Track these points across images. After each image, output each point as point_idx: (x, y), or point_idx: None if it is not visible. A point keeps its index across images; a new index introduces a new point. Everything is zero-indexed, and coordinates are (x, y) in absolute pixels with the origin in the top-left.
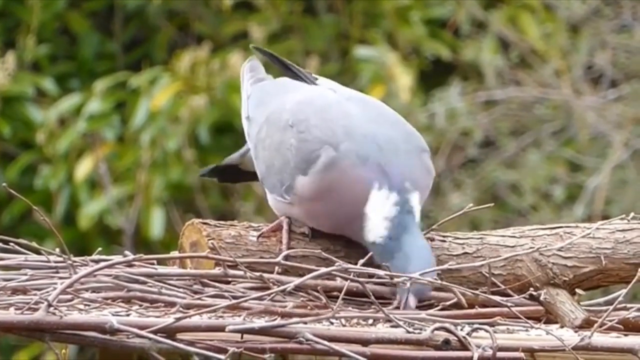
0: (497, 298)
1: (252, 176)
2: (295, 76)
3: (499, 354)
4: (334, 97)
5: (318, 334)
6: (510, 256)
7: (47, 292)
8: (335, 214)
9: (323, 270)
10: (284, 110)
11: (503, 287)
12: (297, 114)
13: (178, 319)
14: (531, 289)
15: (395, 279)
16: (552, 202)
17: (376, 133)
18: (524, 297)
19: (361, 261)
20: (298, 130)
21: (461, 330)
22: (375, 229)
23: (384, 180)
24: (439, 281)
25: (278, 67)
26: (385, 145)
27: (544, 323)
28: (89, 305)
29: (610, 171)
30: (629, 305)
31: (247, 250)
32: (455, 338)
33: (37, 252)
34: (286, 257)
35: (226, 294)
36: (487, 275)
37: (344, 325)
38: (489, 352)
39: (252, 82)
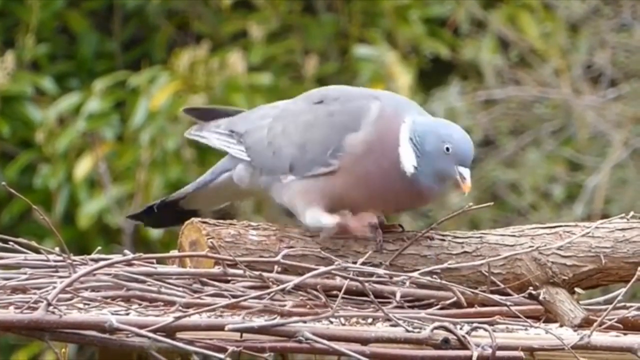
0: (497, 297)
1: (189, 215)
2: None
3: (499, 353)
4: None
5: (317, 333)
6: (509, 255)
7: (47, 291)
8: (380, 162)
9: (322, 269)
10: (296, 103)
11: (502, 286)
12: (317, 95)
13: (177, 318)
14: (530, 288)
15: (395, 278)
16: (552, 201)
17: (386, 95)
18: (523, 297)
19: (360, 260)
20: (333, 98)
21: (460, 329)
22: (407, 157)
23: (405, 115)
24: (439, 280)
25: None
26: (398, 98)
27: (544, 322)
28: (88, 304)
29: (610, 170)
30: (628, 305)
31: (247, 249)
32: (455, 337)
33: (37, 251)
34: (285, 256)
35: (225, 293)
36: (486, 274)
37: (343, 324)
38: (489, 351)
39: (215, 125)
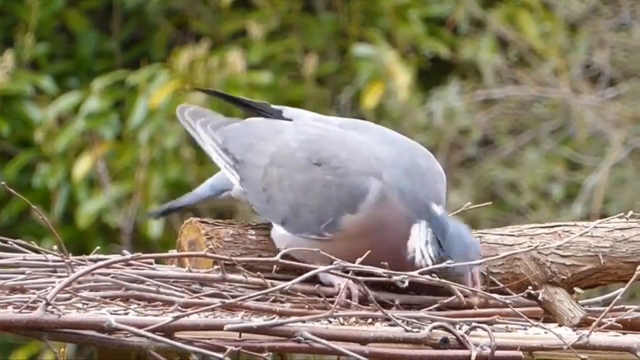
0: (496, 297)
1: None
2: (251, 109)
3: (498, 353)
4: (334, 129)
5: (316, 333)
6: (508, 255)
7: (46, 291)
8: (377, 249)
9: (322, 268)
10: (291, 148)
11: (502, 285)
12: (317, 151)
13: (176, 318)
14: (530, 287)
15: (394, 278)
16: (551, 201)
17: (399, 157)
18: (522, 296)
19: (359, 260)
20: (331, 166)
21: (460, 329)
22: (424, 256)
23: (417, 211)
24: (437, 279)
25: (228, 103)
26: (411, 168)
27: (543, 322)
28: (87, 304)
29: (609, 170)
30: (627, 307)
31: (246, 249)
32: (454, 337)
33: (36, 251)
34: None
35: (224, 293)
36: (485, 274)
37: (342, 324)
38: (488, 351)
39: (211, 127)
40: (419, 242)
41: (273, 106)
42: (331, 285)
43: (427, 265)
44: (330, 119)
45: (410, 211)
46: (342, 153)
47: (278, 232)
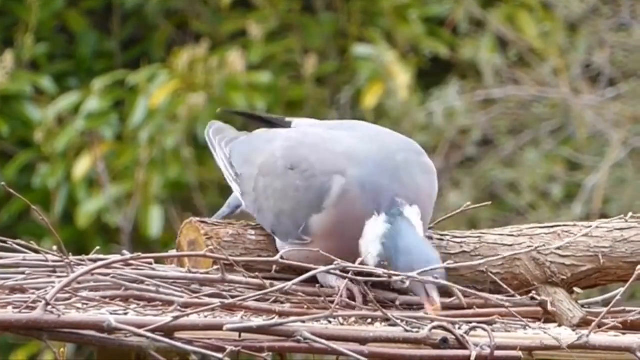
0: (496, 297)
1: None
2: (270, 124)
3: (497, 353)
4: (319, 130)
5: (316, 332)
6: (508, 255)
7: (45, 291)
8: (344, 248)
9: (321, 268)
10: (275, 157)
11: (505, 287)
12: (292, 156)
13: (176, 318)
14: (533, 292)
15: (394, 277)
16: (551, 201)
17: (372, 152)
18: (522, 297)
19: (359, 260)
20: (300, 170)
21: (459, 329)
22: (372, 251)
23: (378, 205)
24: (437, 280)
25: (251, 120)
26: (383, 163)
27: (542, 322)
28: (86, 304)
29: (609, 170)
30: (628, 309)
31: (246, 249)
32: (453, 337)
33: (35, 251)
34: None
35: (224, 292)
36: (485, 272)
37: (342, 324)
38: (487, 351)
39: (225, 142)
40: (369, 237)
41: (287, 119)
42: (330, 287)
43: (374, 260)
44: (328, 122)
45: (371, 205)
46: (311, 156)
47: (277, 241)
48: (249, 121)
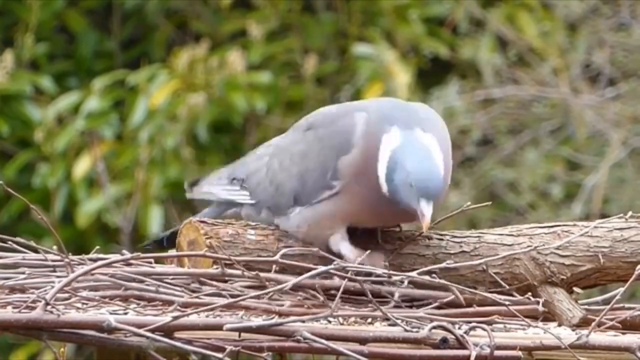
0: (495, 296)
1: None
2: None
3: (497, 353)
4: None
5: (316, 332)
6: (508, 255)
7: (45, 290)
8: (367, 182)
9: (321, 268)
10: (287, 138)
11: (507, 287)
12: (306, 123)
13: (176, 318)
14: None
15: (394, 277)
16: (550, 201)
17: (382, 100)
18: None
19: (359, 259)
20: (321, 122)
21: (459, 328)
22: (381, 161)
23: (391, 126)
24: (437, 280)
25: None
26: (398, 105)
27: (542, 321)
28: (86, 304)
29: (608, 170)
30: (627, 306)
31: (245, 249)
32: (453, 336)
33: (35, 250)
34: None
35: (224, 292)
36: (486, 272)
37: (341, 324)
38: (487, 351)
39: (217, 178)
40: (383, 150)
41: None
42: (343, 257)
43: (386, 190)
44: None
45: (385, 127)
46: (329, 110)
47: (292, 215)
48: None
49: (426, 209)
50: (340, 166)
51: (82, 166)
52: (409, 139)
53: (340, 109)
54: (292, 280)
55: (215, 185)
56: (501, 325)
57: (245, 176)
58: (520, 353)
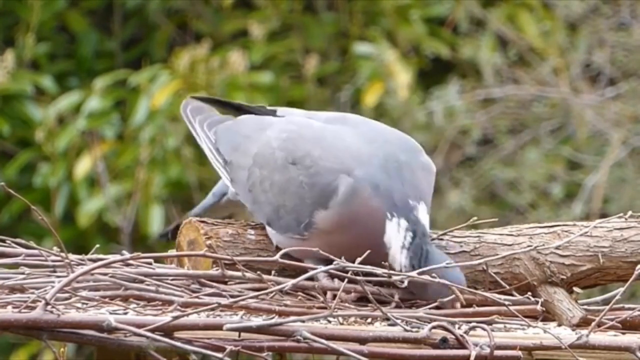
0: (495, 296)
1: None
2: (250, 114)
3: (497, 353)
4: (316, 124)
5: (315, 332)
6: (508, 255)
7: (45, 290)
8: (354, 245)
9: (321, 268)
10: (272, 148)
11: (506, 286)
12: (293, 150)
13: (176, 318)
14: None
15: (394, 277)
16: (551, 200)
17: (376, 151)
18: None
19: (359, 259)
20: (304, 165)
21: (459, 328)
22: (398, 259)
23: (393, 206)
24: (437, 279)
25: (226, 109)
26: (387, 164)
27: (542, 321)
28: (86, 304)
29: (609, 169)
30: (627, 306)
31: (245, 249)
32: (453, 336)
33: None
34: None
35: (224, 292)
36: (486, 272)
37: (341, 324)
38: (487, 351)
39: (207, 125)
40: (396, 242)
41: (269, 107)
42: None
43: (401, 268)
44: (318, 113)
45: (385, 205)
46: (315, 151)
47: (269, 230)
48: (226, 110)
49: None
50: (316, 220)
51: (83, 166)
52: (422, 240)
53: (326, 157)
54: (291, 280)
55: (204, 133)
56: (501, 325)
57: (230, 161)
58: (520, 353)
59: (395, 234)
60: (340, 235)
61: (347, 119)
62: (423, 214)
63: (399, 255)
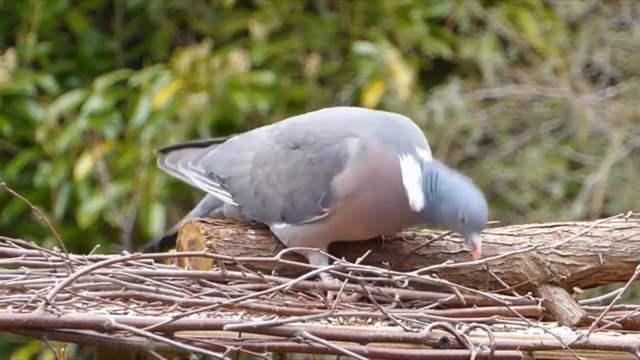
0: (496, 296)
1: None
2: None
3: (497, 352)
4: (304, 116)
5: (316, 332)
6: (508, 254)
7: (45, 290)
8: (379, 198)
9: (321, 268)
10: (268, 145)
11: (507, 287)
12: (291, 137)
13: (176, 318)
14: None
15: (394, 277)
16: (551, 200)
17: (371, 118)
18: (525, 297)
19: (359, 259)
20: (308, 144)
21: (459, 328)
22: (416, 196)
23: (402, 149)
24: (437, 279)
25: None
26: (385, 124)
27: (542, 321)
28: (86, 304)
29: (609, 169)
30: (627, 306)
31: (245, 249)
32: (453, 336)
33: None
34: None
35: (224, 292)
36: (486, 272)
37: (342, 324)
38: (487, 351)
39: (191, 162)
40: (412, 178)
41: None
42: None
43: (420, 206)
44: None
45: (395, 150)
46: (314, 129)
47: (279, 228)
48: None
49: (478, 241)
50: (335, 187)
51: (84, 166)
52: (435, 166)
53: (332, 129)
54: (292, 280)
55: (190, 171)
56: (501, 325)
57: (227, 177)
58: (520, 353)
59: (410, 171)
60: (362, 193)
61: (335, 108)
62: (427, 157)
63: (416, 191)
